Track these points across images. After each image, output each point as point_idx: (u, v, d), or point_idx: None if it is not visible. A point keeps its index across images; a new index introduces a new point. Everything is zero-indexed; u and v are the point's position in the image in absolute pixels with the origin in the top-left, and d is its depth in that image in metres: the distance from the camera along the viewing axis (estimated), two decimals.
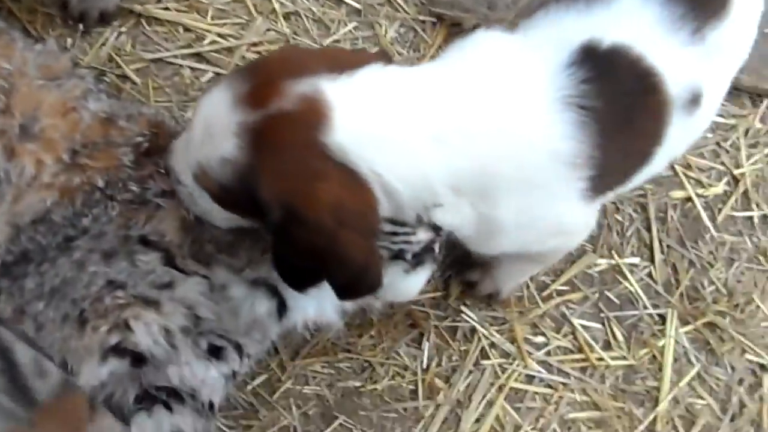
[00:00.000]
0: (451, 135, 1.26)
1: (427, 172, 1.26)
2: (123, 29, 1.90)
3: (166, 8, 1.92)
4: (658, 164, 1.49)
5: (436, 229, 1.37)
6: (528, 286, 1.83)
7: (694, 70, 1.40)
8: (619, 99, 1.34)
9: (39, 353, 0.89)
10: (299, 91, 1.20)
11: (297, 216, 1.19)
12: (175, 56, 1.89)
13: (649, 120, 1.39)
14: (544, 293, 1.83)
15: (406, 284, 1.41)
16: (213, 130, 1.23)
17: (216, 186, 1.26)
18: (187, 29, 1.92)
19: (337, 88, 1.22)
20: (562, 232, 1.48)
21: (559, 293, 1.85)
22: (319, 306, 1.43)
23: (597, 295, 1.85)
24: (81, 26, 1.88)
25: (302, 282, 1.34)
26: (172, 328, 1.41)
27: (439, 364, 1.76)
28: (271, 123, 1.20)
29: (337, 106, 1.20)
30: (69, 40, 1.87)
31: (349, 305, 1.47)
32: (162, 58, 1.89)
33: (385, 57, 1.31)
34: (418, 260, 1.39)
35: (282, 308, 1.41)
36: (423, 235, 1.36)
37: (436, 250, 1.41)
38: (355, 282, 1.27)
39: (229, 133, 1.21)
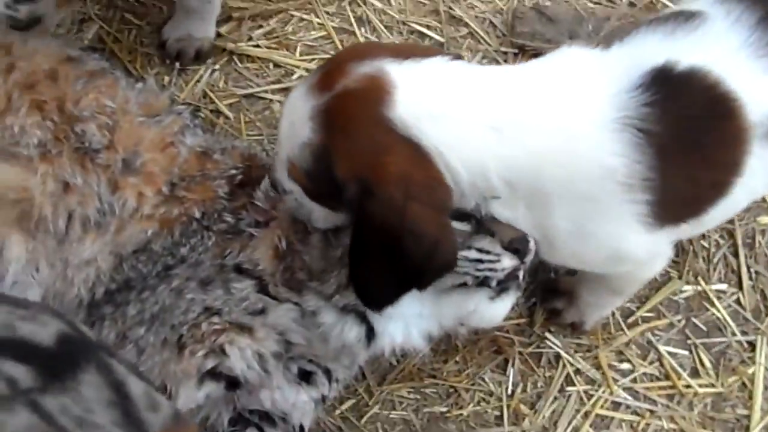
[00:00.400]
0: (508, 127, 1.28)
1: (483, 159, 1.29)
2: (216, 66, 1.99)
3: (257, 45, 2.00)
4: (741, 197, 1.42)
5: (521, 256, 1.39)
6: (613, 314, 1.82)
7: None
8: (687, 123, 1.32)
9: (149, 385, 0.94)
10: (363, 71, 1.28)
11: (369, 190, 1.24)
12: (266, 91, 1.96)
13: (722, 147, 1.35)
14: (629, 320, 1.83)
15: (491, 311, 1.43)
16: (294, 120, 1.32)
17: (302, 175, 1.33)
18: (276, 65, 2.00)
19: (401, 69, 1.28)
20: (622, 258, 1.43)
21: (645, 320, 1.83)
22: (405, 331, 1.46)
23: (683, 321, 1.83)
24: (177, 64, 1.97)
25: (380, 295, 1.36)
26: (265, 353, 1.46)
27: (524, 390, 1.76)
28: (338, 101, 1.28)
29: (400, 85, 1.27)
30: (166, 78, 1.96)
31: (435, 330, 1.49)
32: (253, 93, 1.96)
33: (456, 55, 1.36)
34: (502, 287, 1.41)
35: (370, 334, 1.45)
36: (508, 263, 1.38)
37: (521, 277, 1.43)
38: (428, 258, 1.28)
39: (306, 118, 1.29)
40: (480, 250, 1.37)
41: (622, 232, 1.37)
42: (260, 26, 2.03)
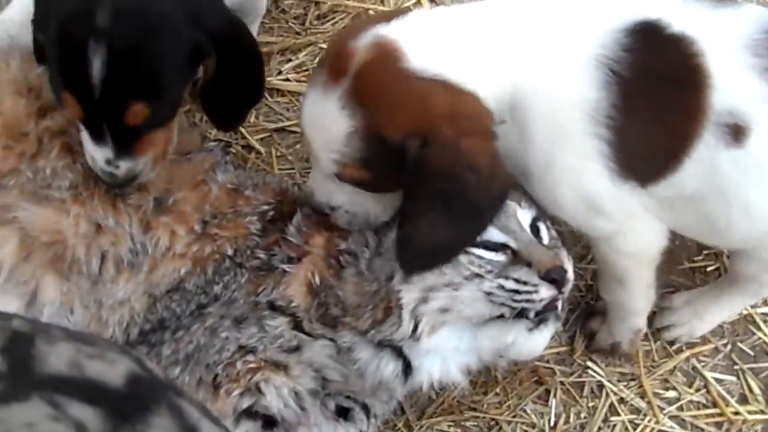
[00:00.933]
0: (500, 51, 1.35)
1: (490, 83, 1.34)
2: None
3: (287, 79, 2.00)
4: (689, 187, 1.39)
5: (558, 286, 1.36)
6: (656, 340, 1.79)
7: (749, 100, 1.35)
8: (655, 79, 1.35)
9: (222, 429, 0.92)
10: (364, 45, 1.33)
11: (424, 140, 1.28)
12: (296, 125, 1.95)
13: (678, 115, 1.36)
14: (674, 347, 1.79)
15: (530, 343, 1.40)
16: (324, 123, 1.34)
17: (358, 167, 1.35)
18: None
19: (393, 28, 1.34)
20: (592, 204, 1.41)
21: (689, 346, 1.79)
22: (443, 366, 1.43)
23: (729, 346, 1.78)
24: None
25: (431, 254, 1.37)
26: (301, 390, 1.45)
27: (567, 421, 1.72)
28: (361, 78, 1.32)
29: (402, 39, 1.33)
30: (197, 115, 1.97)
31: (473, 363, 1.47)
32: (284, 127, 1.96)
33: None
34: (541, 318, 1.39)
35: (407, 369, 1.43)
36: (546, 293, 1.36)
37: (560, 307, 1.41)
38: (486, 190, 1.32)
39: (337, 111, 1.32)
40: (517, 281, 1.35)
41: (586, 167, 1.37)
42: (290, 60, 2.03)
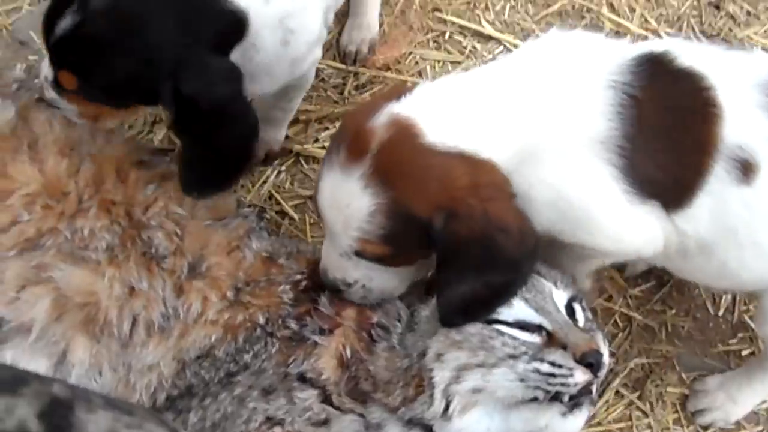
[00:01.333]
0: (502, 116, 1.37)
1: (500, 141, 1.36)
2: (283, 168, 2.00)
3: (323, 147, 2.00)
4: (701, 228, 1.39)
5: (594, 370, 1.34)
6: (689, 424, 1.76)
7: (759, 138, 1.36)
8: (666, 107, 1.37)
9: None
10: (381, 123, 1.35)
11: (451, 213, 1.30)
12: None
13: (689, 145, 1.37)
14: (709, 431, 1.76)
15: (564, 427, 1.37)
16: (344, 201, 1.35)
17: (380, 243, 1.35)
18: None
19: (405, 105, 1.37)
20: (596, 227, 1.42)
21: None
22: None
23: None
24: None
25: (471, 308, 1.38)
26: None
27: None
28: (382, 157, 1.33)
29: (416, 115, 1.35)
30: None
31: None
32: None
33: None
34: (575, 402, 1.36)
35: None
36: (581, 377, 1.33)
37: (594, 391, 1.38)
38: (520, 246, 1.34)
39: (359, 190, 1.33)
40: (552, 364, 1.33)
41: (597, 192, 1.38)
42: (326, 128, 2.04)
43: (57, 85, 1.49)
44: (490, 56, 2.14)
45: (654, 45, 1.45)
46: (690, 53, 1.41)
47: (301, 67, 1.68)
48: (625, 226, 1.42)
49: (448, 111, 1.37)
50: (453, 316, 1.40)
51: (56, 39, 1.43)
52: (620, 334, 1.85)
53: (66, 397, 0.87)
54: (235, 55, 1.51)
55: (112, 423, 0.85)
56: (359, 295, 1.46)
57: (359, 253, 1.40)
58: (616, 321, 1.85)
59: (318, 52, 1.72)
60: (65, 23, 1.41)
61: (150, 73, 1.42)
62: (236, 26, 1.48)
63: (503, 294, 1.40)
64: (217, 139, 1.48)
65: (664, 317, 1.86)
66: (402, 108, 1.37)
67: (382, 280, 1.45)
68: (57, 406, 0.85)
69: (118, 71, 1.43)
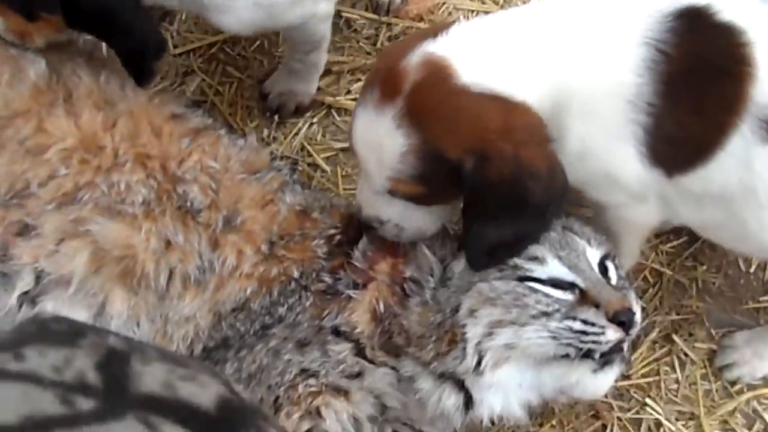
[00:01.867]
0: (546, 52, 1.36)
1: (536, 86, 1.35)
2: (315, 120, 2.01)
3: (355, 99, 2.00)
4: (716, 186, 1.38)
5: (626, 328, 1.35)
6: (716, 380, 1.77)
7: None
8: (698, 64, 1.34)
9: None
10: (414, 63, 1.34)
11: (483, 155, 1.30)
12: None
13: (717, 103, 1.34)
14: (735, 387, 1.76)
15: (594, 384, 1.39)
16: (377, 140, 1.35)
17: (412, 182, 1.36)
18: None
19: (441, 44, 1.35)
20: (616, 182, 1.42)
21: (750, 388, 1.77)
22: (505, 401, 1.42)
23: None
24: (276, 117, 1.99)
25: (496, 250, 1.39)
26: (361, 416, 1.45)
27: None
28: (415, 97, 1.33)
29: (450, 55, 1.34)
30: (265, 131, 1.99)
31: (535, 400, 1.45)
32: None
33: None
34: (606, 360, 1.37)
35: (468, 403, 1.41)
36: (612, 335, 1.34)
37: (625, 349, 1.39)
38: (548, 191, 1.34)
39: (392, 130, 1.33)
40: (585, 322, 1.34)
41: (622, 153, 1.38)
42: (359, 80, 2.04)
43: None
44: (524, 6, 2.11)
45: None
46: (734, 6, 1.37)
47: (282, 15, 1.68)
48: (640, 188, 1.42)
49: (483, 51, 1.36)
50: (479, 258, 1.41)
51: None
52: (650, 290, 1.85)
53: (122, 348, 0.88)
54: None
55: (167, 375, 0.86)
56: (392, 233, 1.47)
57: (392, 192, 1.41)
58: (646, 276, 1.86)
59: (313, 7, 1.71)
60: None
61: None
62: None
63: (529, 237, 1.41)
64: (115, 44, 1.56)
65: (694, 273, 1.87)
66: (437, 47, 1.36)
67: (415, 219, 1.45)
68: (114, 357, 0.86)
69: None
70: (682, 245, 1.89)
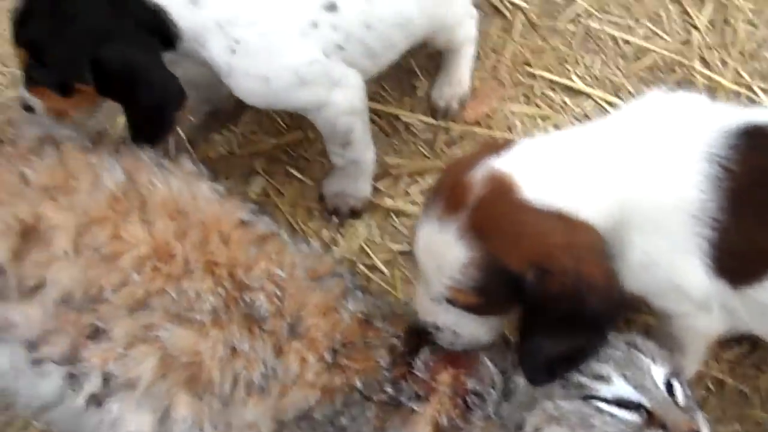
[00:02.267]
0: (607, 169, 1.40)
1: (599, 202, 1.39)
2: (373, 222, 2.04)
3: (414, 202, 2.04)
4: None
5: None
6: None
7: None
8: (762, 180, 1.38)
9: None
10: (480, 178, 1.39)
11: (544, 269, 1.33)
12: None
13: None
14: None
15: None
16: (439, 252, 1.39)
17: (471, 294, 1.39)
18: None
19: (505, 161, 1.41)
20: (683, 293, 1.45)
21: None
22: None
23: None
24: (334, 218, 2.03)
25: (555, 365, 1.40)
26: None
27: None
28: (480, 211, 1.37)
29: (515, 172, 1.38)
30: (325, 231, 2.02)
31: None
32: (409, 250, 1.97)
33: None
34: None
35: None
36: None
37: None
38: (607, 306, 1.36)
39: (454, 242, 1.37)
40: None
41: (687, 265, 1.41)
42: (417, 182, 2.07)
43: (27, 82, 1.70)
44: (580, 111, 2.15)
45: (760, 113, 1.46)
46: None
47: (287, 94, 1.74)
48: (705, 298, 1.45)
49: (546, 169, 1.41)
50: (537, 372, 1.42)
51: (15, 17, 1.65)
52: (711, 398, 1.83)
53: None
54: (188, 46, 1.67)
55: None
56: (448, 340, 1.50)
57: (450, 300, 1.43)
58: (707, 385, 1.84)
59: (327, 96, 1.76)
60: (20, 5, 1.65)
61: (77, 48, 1.61)
62: (155, 17, 1.63)
63: (586, 351, 1.41)
64: (138, 101, 1.67)
65: (757, 382, 1.84)
66: (501, 163, 1.40)
67: (471, 328, 1.48)
68: None
69: (52, 43, 1.62)
70: (743, 353, 1.87)
